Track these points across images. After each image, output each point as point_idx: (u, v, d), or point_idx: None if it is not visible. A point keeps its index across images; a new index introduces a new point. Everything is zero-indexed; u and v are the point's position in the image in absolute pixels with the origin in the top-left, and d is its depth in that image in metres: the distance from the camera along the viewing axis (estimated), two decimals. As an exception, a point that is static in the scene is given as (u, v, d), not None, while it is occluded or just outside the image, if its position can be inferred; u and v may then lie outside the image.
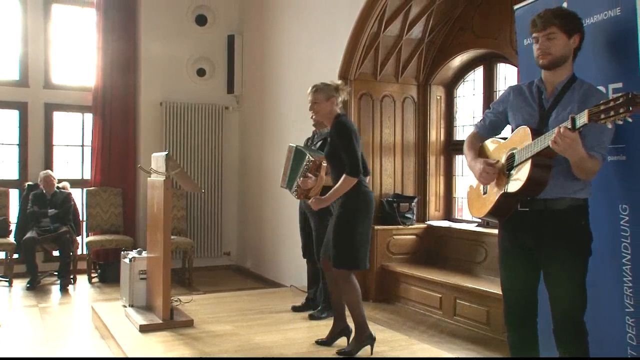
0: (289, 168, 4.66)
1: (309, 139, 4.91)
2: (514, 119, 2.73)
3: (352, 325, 3.84)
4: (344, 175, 3.63)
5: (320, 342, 3.94)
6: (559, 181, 2.51)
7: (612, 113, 2.13)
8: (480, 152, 2.82)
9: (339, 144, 3.68)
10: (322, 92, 3.79)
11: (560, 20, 2.54)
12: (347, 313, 3.85)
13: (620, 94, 2.13)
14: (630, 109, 2.08)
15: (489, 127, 2.87)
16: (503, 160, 2.64)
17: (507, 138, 2.71)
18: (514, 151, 2.58)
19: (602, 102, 2.18)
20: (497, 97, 2.94)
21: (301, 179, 4.41)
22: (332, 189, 3.70)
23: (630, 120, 2.13)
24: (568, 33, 2.54)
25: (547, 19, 2.55)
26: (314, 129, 4.84)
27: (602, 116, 2.16)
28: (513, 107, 2.75)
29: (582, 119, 2.23)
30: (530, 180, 2.46)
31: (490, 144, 2.82)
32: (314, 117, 3.90)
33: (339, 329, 3.94)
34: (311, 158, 4.47)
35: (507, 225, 2.72)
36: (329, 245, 3.76)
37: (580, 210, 2.57)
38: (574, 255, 2.53)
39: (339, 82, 3.92)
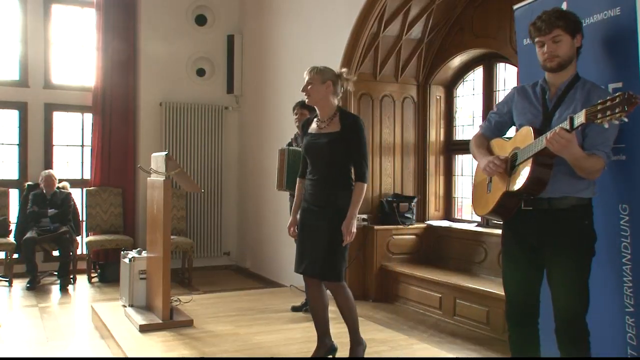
0: (286, 170, 4.65)
1: (290, 143, 4.87)
2: (519, 119, 2.74)
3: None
4: (358, 184, 3.37)
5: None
6: (563, 180, 2.52)
7: (608, 113, 2.14)
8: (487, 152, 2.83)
9: (353, 143, 3.38)
10: (319, 74, 3.43)
11: (563, 22, 2.54)
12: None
13: (617, 94, 2.14)
14: (626, 108, 2.10)
15: (494, 128, 2.88)
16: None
17: (511, 138, 2.72)
18: (516, 150, 2.59)
19: (599, 102, 2.20)
20: (502, 98, 2.94)
21: None
22: (352, 204, 3.33)
23: (626, 120, 2.14)
24: (572, 34, 2.55)
25: (551, 21, 2.54)
26: (297, 130, 4.84)
27: (599, 116, 2.17)
28: (517, 107, 2.76)
29: (580, 118, 2.25)
30: (531, 179, 2.47)
31: (495, 144, 2.83)
32: (307, 100, 3.48)
33: (329, 346, 3.61)
34: None
35: (511, 224, 2.72)
36: (317, 259, 3.39)
37: (584, 210, 2.57)
38: (577, 255, 2.54)
39: (343, 69, 3.55)
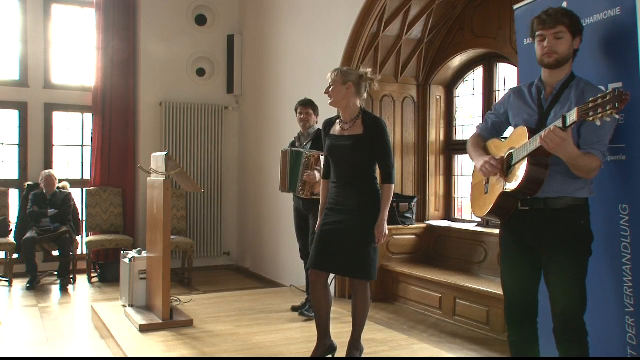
0: (288, 171, 4.64)
1: (293, 142, 4.86)
2: (514, 119, 2.75)
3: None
4: (386, 185, 3.42)
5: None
6: (560, 180, 2.52)
7: (599, 110, 2.16)
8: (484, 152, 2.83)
9: (378, 145, 3.40)
10: (340, 75, 3.43)
11: (569, 20, 2.55)
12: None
13: (608, 91, 2.16)
14: (617, 105, 2.11)
15: (491, 129, 2.89)
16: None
17: (507, 138, 2.73)
18: (512, 151, 2.60)
19: (590, 99, 2.21)
20: (499, 99, 2.95)
21: (305, 174, 4.40)
22: (382, 207, 3.39)
23: (617, 117, 2.15)
24: (573, 34, 2.56)
25: (557, 17, 2.54)
26: (300, 130, 4.83)
27: (591, 113, 2.18)
28: (513, 108, 2.76)
29: (572, 116, 2.27)
30: (527, 179, 2.47)
31: (491, 144, 2.83)
32: (329, 101, 3.48)
33: (328, 346, 3.62)
34: (309, 153, 4.48)
35: (508, 224, 2.72)
36: (348, 258, 3.40)
37: (581, 210, 2.57)
38: (574, 254, 2.54)
39: (368, 70, 3.51)
